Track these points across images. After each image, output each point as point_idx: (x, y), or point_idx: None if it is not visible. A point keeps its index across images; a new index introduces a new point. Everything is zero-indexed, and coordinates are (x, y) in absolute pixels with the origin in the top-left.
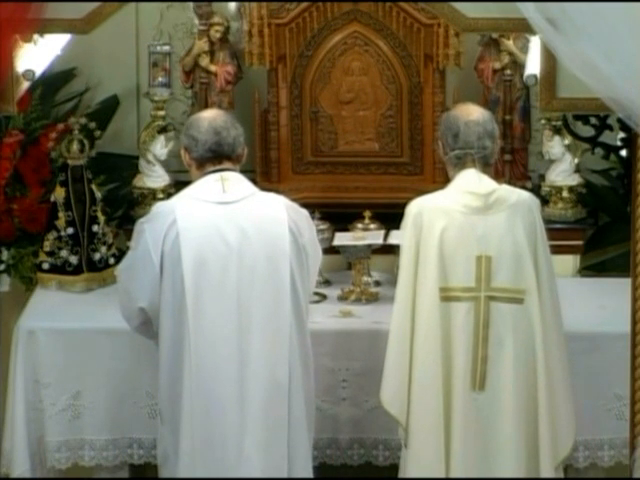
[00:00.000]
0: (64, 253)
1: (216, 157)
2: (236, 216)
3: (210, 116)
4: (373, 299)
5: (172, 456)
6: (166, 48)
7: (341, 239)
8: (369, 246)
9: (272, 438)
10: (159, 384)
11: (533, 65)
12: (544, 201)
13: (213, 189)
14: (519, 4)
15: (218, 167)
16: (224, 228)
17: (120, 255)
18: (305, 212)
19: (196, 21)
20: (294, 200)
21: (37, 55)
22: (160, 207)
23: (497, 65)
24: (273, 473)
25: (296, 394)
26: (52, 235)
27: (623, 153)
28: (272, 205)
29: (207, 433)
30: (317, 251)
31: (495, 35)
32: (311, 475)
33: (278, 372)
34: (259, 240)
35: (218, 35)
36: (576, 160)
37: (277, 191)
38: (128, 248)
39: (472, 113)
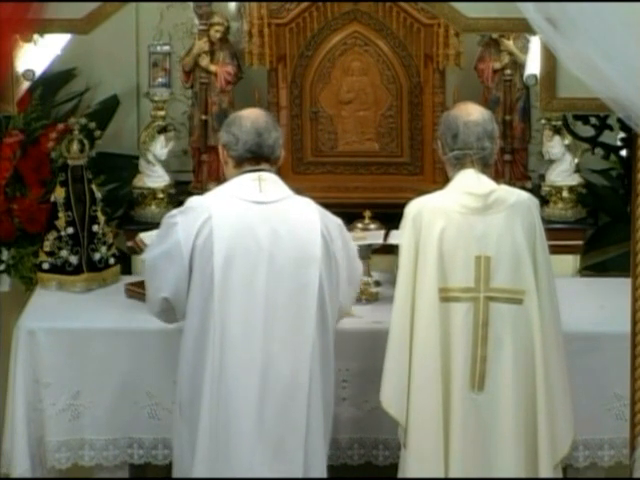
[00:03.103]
0: (64, 253)
1: (255, 158)
2: (270, 217)
3: (253, 116)
4: (373, 299)
5: (187, 455)
6: (166, 48)
7: None
8: (369, 246)
9: (289, 443)
10: (180, 378)
11: (533, 65)
12: (544, 201)
13: (250, 188)
14: (519, 4)
15: (256, 167)
16: (257, 228)
17: (120, 255)
18: (338, 221)
19: (196, 21)
20: None
21: (37, 55)
22: (195, 202)
23: (497, 65)
24: (290, 473)
25: (315, 400)
26: (52, 235)
27: (623, 153)
28: (306, 209)
29: (225, 436)
30: (351, 261)
31: (495, 35)
32: (325, 468)
33: (299, 377)
34: (291, 243)
35: (218, 35)
36: (576, 160)
37: None
38: (128, 248)
39: (472, 113)
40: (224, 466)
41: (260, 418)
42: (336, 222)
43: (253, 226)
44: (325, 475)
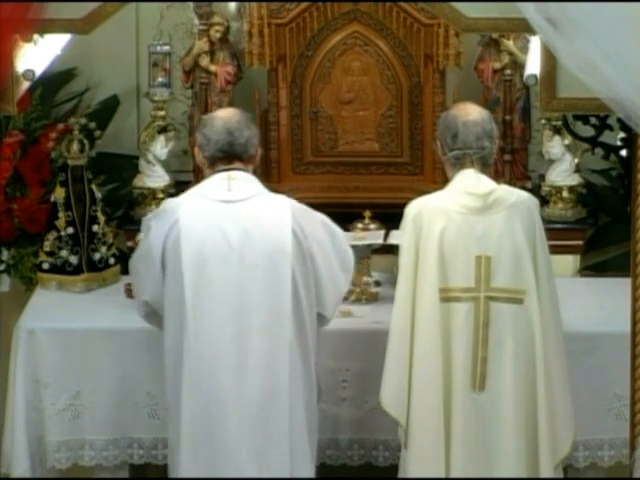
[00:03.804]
0: (64, 253)
1: (227, 157)
2: (239, 215)
3: (225, 116)
4: (373, 299)
5: (175, 450)
6: (166, 48)
7: None
8: (369, 246)
9: (272, 440)
10: (165, 378)
11: (533, 65)
12: (544, 201)
13: (218, 188)
14: (519, 4)
15: (228, 167)
16: (226, 227)
17: (120, 255)
18: (321, 217)
19: (196, 21)
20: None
21: (37, 55)
22: (167, 204)
23: (497, 65)
24: (273, 474)
25: (297, 397)
26: (52, 235)
27: (623, 153)
28: (276, 206)
29: (206, 435)
30: (340, 252)
31: (495, 35)
32: (313, 472)
33: (278, 375)
34: (261, 240)
35: (218, 35)
36: (576, 160)
37: (277, 191)
38: (128, 248)
39: (471, 113)
40: (209, 467)
41: (241, 419)
42: (316, 218)
43: (222, 225)
44: (312, 470)
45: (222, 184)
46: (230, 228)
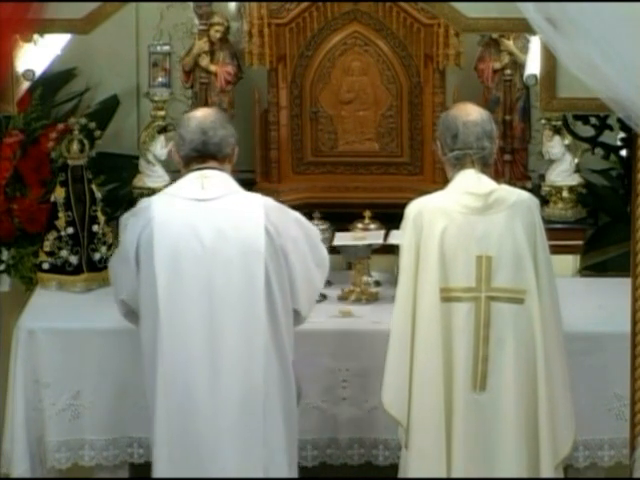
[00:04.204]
0: (64, 253)
1: (201, 156)
2: (212, 214)
3: (200, 115)
4: (373, 299)
5: (152, 448)
6: (166, 48)
7: (341, 239)
8: (369, 246)
9: (247, 440)
10: (144, 378)
11: (533, 65)
12: (544, 201)
13: (192, 186)
14: (519, 4)
15: (202, 166)
16: (199, 225)
17: None
18: (295, 215)
19: (196, 21)
20: (294, 200)
21: (37, 55)
22: (141, 204)
23: (497, 65)
24: (248, 474)
25: (272, 396)
26: (52, 235)
27: (623, 153)
28: (249, 204)
29: (181, 435)
30: (314, 248)
31: (495, 35)
32: (295, 475)
33: (252, 373)
34: (234, 238)
35: (218, 35)
36: (576, 160)
37: (277, 191)
38: None
39: (471, 113)
40: (184, 466)
41: (215, 419)
42: (291, 216)
43: (194, 224)
44: (286, 469)
45: (196, 183)
46: (203, 226)
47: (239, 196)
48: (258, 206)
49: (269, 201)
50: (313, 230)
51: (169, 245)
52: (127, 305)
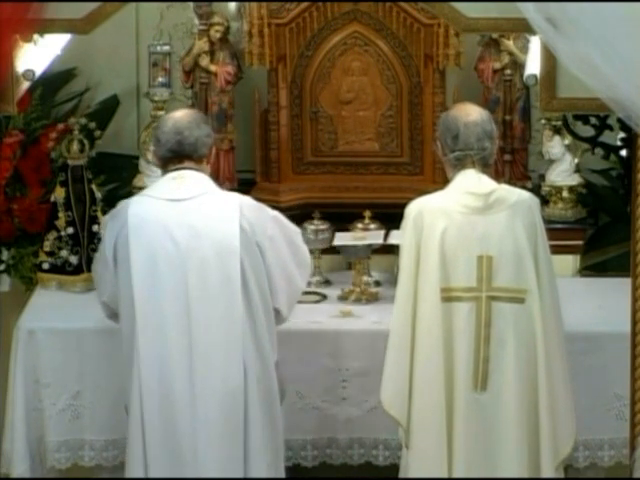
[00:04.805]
0: (64, 253)
1: (177, 157)
2: (186, 214)
3: (177, 115)
4: (373, 299)
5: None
6: (166, 48)
7: (341, 239)
8: (369, 246)
9: (227, 439)
10: (125, 378)
11: (533, 65)
12: (544, 201)
13: (167, 187)
14: (519, 4)
15: (179, 166)
16: (173, 226)
17: None
18: (273, 213)
19: (196, 21)
20: (294, 200)
21: (37, 55)
22: (119, 205)
23: (497, 65)
24: (228, 475)
25: (252, 395)
26: (52, 235)
27: (623, 153)
28: (224, 203)
29: (157, 435)
30: (294, 247)
31: (495, 35)
32: (281, 475)
33: (231, 373)
34: (208, 238)
35: (218, 35)
36: (576, 160)
37: (277, 191)
38: None
39: (471, 114)
40: (162, 467)
41: (194, 418)
42: (268, 214)
43: (169, 225)
44: (266, 468)
45: (171, 183)
46: (177, 227)
47: (214, 196)
48: (233, 205)
49: (246, 199)
50: (292, 229)
51: (145, 246)
52: (108, 307)
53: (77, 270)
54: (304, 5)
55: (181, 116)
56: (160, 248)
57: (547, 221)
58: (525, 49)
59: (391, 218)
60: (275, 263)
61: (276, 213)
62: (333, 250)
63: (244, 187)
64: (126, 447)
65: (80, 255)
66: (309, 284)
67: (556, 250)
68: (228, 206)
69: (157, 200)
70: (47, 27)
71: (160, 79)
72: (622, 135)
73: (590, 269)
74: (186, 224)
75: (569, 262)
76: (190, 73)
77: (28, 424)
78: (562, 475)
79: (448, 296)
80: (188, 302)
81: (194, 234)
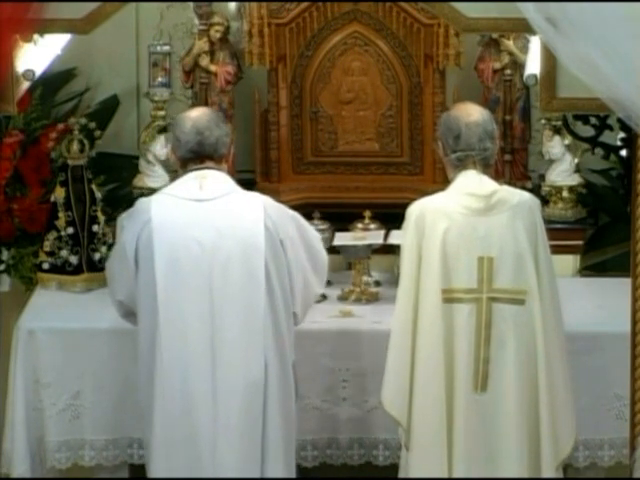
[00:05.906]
0: (64, 253)
1: (198, 157)
2: (210, 214)
3: (195, 115)
4: (373, 299)
5: (148, 450)
6: (166, 48)
7: (341, 239)
8: (369, 246)
9: (246, 437)
10: (138, 378)
11: (533, 65)
12: (544, 201)
13: (190, 187)
14: (519, 4)
15: (200, 166)
16: (197, 226)
17: None
18: (293, 214)
19: (196, 21)
20: (294, 200)
21: (37, 55)
22: (139, 204)
23: (497, 65)
24: (246, 473)
25: (272, 393)
26: (52, 235)
27: (623, 153)
28: (248, 203)
29: (179, 435)
30: (312, 251)
31: (495, 35)
32: (293, 475)
33: (252, 370)
34: (233, 238)
35: (218, 35)
36: (576, 160)
37: (277, 191)
38: None
39: (472, 114)
40: (181, 464)
41: (214, 415)
42: (289, 214)
43: (193, 224)
44: (281, 467)
45: (194, 183)
46: (201, 227)
47: (238, 195)
48: (257, 204)
49: (268, 200)
50: (312, 233)
51: (168, 246)
52: (126, 306)
53: (77, 270)
54: (304, 5)
55: (199, 115)
56: (184, 248)
57: (547, 221)
58: (525, 49)
59: (391, 218)
60: (294, 264)
61: (298, 216)
62: (333, 250)
63: (244, 187)
64: (148, 447)
65: (80, 255)
66: None
67: (556, 250)
68: (252, 206)
69: (180, 200)
70: (47, 27)
71: (160, 79)
72: (622, 135)
73: (590, 269)
74: (211, 225)
75: (569, 262)
76: (190, 73)
77: (28, 424)
78: (562, 475)
79: (449, 297)
80: (212, 301)
81: (219, 234)
